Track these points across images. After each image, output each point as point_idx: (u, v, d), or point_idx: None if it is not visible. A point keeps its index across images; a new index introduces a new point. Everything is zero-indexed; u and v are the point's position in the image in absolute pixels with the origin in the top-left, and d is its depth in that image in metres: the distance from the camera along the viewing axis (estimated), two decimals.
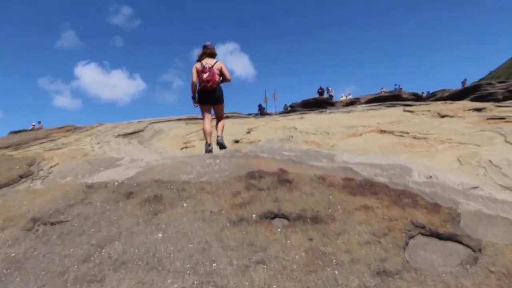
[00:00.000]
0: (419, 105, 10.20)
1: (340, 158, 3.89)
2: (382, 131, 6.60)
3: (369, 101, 21.18)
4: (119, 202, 2.67)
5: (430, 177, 3.17)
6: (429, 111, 8.24)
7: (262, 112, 26.01)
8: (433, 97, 25.71)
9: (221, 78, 4.93)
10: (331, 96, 27.65)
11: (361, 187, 2.56)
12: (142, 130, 7.87)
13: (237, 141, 6.63)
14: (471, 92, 21.61)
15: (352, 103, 22.16)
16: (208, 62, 4.86)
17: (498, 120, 6.98)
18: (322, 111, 14.00)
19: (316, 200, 2.42)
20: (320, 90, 27.79)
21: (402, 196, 2.35)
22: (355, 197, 2.40)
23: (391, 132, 6.44)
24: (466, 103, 9.16)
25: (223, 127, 5.25)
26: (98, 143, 5.89)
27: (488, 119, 7.18)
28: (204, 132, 4.96)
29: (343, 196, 2.43)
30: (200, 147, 6.20)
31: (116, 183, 3.08)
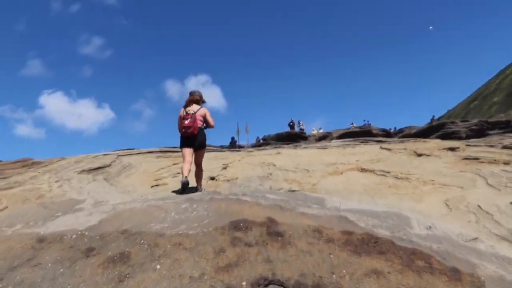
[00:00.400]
0: (395, 142, 10.26)
1: (331, 203, 3.59)
2: (363, 170, 6.43)
3: (341, 136, 21.46)
4: (76, 262, 2.19)
5: (430, 227, 2.92)
6: (405, 149, 8.24)
7: (234, 144, 25.70)
8: (400, 133, 26.53)
9: (204, 125, 5.07)
10: (302, 130, 27.93)
11: (364, 244, 2.24)
12: (109, 165, 7.29)
13: (213, 178, 6.22)
14: (436, 130, 22.43)
15: (324, 137, 22.37)
16: (192, 108, 5.00)
17: (473, 160, 7.01)
18: (297, 146, 13.89)
19: (316, 261, 2.07)
20: (291, 123, 28.03)
21: (414, 257, 2.05)
22: (360, 258, 2.07)
23: (372, 171, 6.27)
24: (439, 142, 9.28)
25: (202, 176, 5.20)
26: (58, 181, 5.28)
27: (463, 159, 7.22)
28: (182, 170, 4.89)
29: (347, 256, 2.10)
30: (173, 184, 5.74)
31: (74, 235, 2.58)
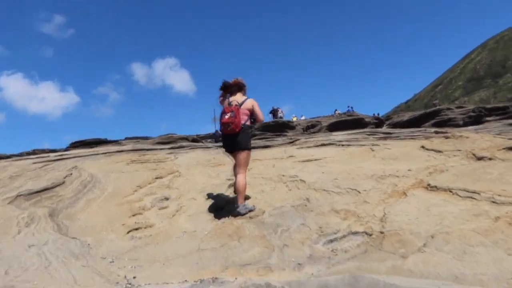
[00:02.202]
0: (432, 138, 8.44)
1: None
2: (433, 188, 4.51)
3: (332, 125, 19.70)
4: None
5: None
6: (459, 150, 6.41)
7: (215, 136, 23.48)
8: (389, 120, 25.17)
9: (249, 120, 4.27)
10: (280, 118, 26.20)
11: None
12: (62, 183, 5.00)
13: (220, 208, 4.12)
14: (431, 117, 21.14)
15: (312, 126, 20.56)
16: (236, 99, 4.29)
17: None
18: (296, 141, 11.88)
19: None
20: (272, 111, 26.20)
21: None
22: None
23: (448, 190, 4.37)
24: (489, 138, 7.52)
25: (243, 188, 4.04)
26: None
27: None
28: (237, 190, 4.04)
29: None
30: (162, 225, 3.61)
31: None
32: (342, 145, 9.40)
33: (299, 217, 3.69)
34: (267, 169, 5.87)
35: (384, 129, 15.42)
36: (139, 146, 11.38)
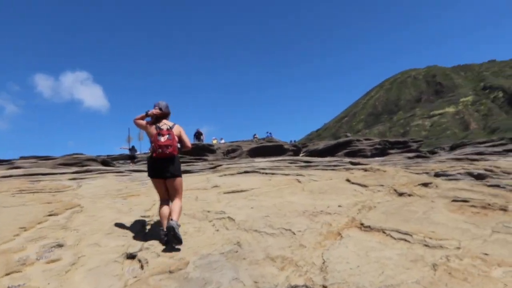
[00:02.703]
0: (354, 170, 8.55)
1: None
2: (366, 228, 4.33)
3: (253, 151, 19.60)
4: None
5: None
6: (382, 185, 6.49)
7: (134, 153, 21.93)
8: (305, 148, 26.13)
9: (178, 146, 4.03)
10: (201, 140, 25.53)
11: None
12: None
13: (132, 257, 3.31)
14: (343, 147, 22.43)
15: (233, 150, 20.22)
16: (165, 124, 4.06)
17: (466, 205, 5.66)
18: (218, 167, 11.34)
19: None
20: (197, 134, 25.41)
21: None
22: None
23: (381, 231, 4.22)
24: (403, 174, 7.86)
25: (180, 209, 3.89)
26: None
27: (453, 201, 5.80)
28: (160, 216, 3.87)
29: None
30: None
31: None
32: (266, 173, 9.12)
33: (230, 269, 3.08)
34: (190, 202, 5.16)
35: (304, 157, 15.75)
36: (33, 170, 9.68)
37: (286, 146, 21.01)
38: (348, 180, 6.77)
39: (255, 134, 31.90)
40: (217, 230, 3.99)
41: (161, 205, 3.97)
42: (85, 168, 10.40)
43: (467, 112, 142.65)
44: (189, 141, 4.33)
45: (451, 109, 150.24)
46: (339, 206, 5.23)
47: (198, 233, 3.85)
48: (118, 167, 21.23)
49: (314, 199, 5.48)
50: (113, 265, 3.14)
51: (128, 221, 4.25)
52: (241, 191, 6.23)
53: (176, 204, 3.86)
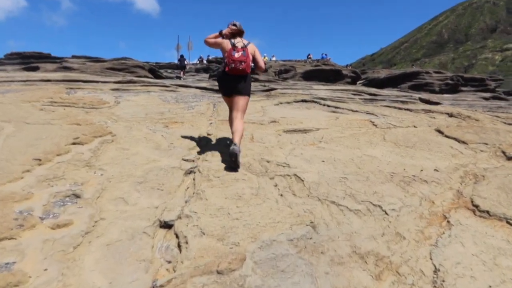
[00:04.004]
0: (440, 113, 6.98)
1: None
2: (482, 213, 3.09)
3: (307, 74, 17.85)
4: None
5: None
6: (486, 144, 5.01)
7: (183, 64, 21.08)
8: (364, 75, 23.76)
9: (252, 65, 3.90)
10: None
11: None
12: None
13: (168, 226, 2.40)
14: (408, 78, 19.98)
15: (286, 71, 18.56)
16: (239, 41, 3.90)
17: None
18: (284, 92, 10.09)
19: None
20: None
21: None
22: None
23: (506, 221, 2.98)
24: (502, 127, 6.21)
25: (242, 131, 3.71)
26: None
27: None
28: (230, 124, 3.90)
29: None
30: (47, 282, 1.83)
31: None
32: (328, 106, 7.81)
33: (305, 274, 2.08)
34: (244, 143, 4.11)
35: (369, 88, 13.98)
36: (75, 76, 8.96)
37: (344, 72, 18.95)
38: (439, 131, 5.33)
39: (309, 54, 29.51)
40: (282, 196, 2.94)
41: (229, 116, 3.99)
42: (128, 78, 9.57)
43: None
44: (262, 61, 4.12)
45: None
46: (435, 170, 3.94)
47: (256, 199, 2.83)
48: (166, 76, 20.55)
49: (401, 156, 4.21)
50: (140, 240, 2.24)
51: (165, 166, 3.30)
52: (305, 130, 5.07)
53: (239, 124, 3.74)
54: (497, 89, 21.30)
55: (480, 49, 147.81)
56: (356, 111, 7.25)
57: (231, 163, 3.39)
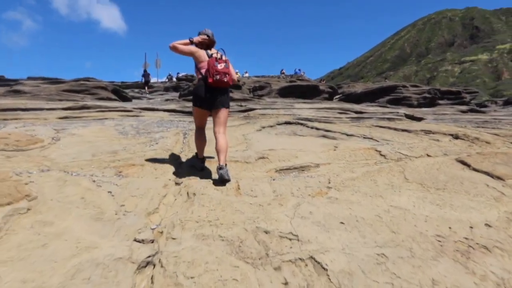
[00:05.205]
0: (443, 135, 6.05)
1: None
2: None
3: (283, 90, 16.91)
4: None
5: None
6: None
7: (148, 79, 19.99)
8: (340, 89, 23.22)
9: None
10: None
11: None
12: None
13: None
14: (385, 93, 19.54)
15: (261, 87, 17.54)
16: (215, 52, 3.81)
17: None
18: (264, 113, 9.00)
19: None
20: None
21: None
22: None
23: None
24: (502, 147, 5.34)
25: (227, 147, 3.57)
26: None
27: None
28: (197, 146, 3.87)
29: None
30: None
31: None
32: (317, 129, 6.79)
33: None
34: (228, 200, 2.91)
35: (352, 105, 13.21)
36: (11, 103, 7.46)
37: (321, 87, 18.20)
38: (464, 163, 4.33)
39: (282, 70, 28.86)
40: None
41: (198, 133, 3.87)
42: (81, 104, 8.15)
43: (502, 60, 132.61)
44: (235, 74, 3.90)
45: (484, 56, 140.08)
46: (487, 225, 2.90)
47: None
48: (132, 97, 19.10)
49: (438, 206, 3.14)
50: None
51: (108, 254, 2.05)
52: (303, 168, 3.96)
53: (223, 140, 3.57)
54: (471, 102, 21.32)
55: (440, 62, 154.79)
56: (352, 135, 6.25)
57: (218, 183, 3.26)
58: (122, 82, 28.47)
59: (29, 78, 21.84)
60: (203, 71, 3.65)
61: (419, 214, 2.95)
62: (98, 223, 2.43)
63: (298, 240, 2.34)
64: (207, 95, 3.59)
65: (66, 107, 7.41)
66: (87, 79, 19.47)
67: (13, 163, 3.39)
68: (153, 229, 2.42)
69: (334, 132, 6.47)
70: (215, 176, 3.56)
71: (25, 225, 2.31)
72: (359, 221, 2.73)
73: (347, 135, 6.24)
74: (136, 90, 24.35)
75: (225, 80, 3.51)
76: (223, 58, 3.68)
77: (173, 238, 2.26)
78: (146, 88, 21.17)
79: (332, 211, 2.83)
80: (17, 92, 14.27)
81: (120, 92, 17.75)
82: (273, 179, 3.43)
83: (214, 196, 2.87)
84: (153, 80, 27.09)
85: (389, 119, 10.16)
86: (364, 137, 6.10)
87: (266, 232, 2.40)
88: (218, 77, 3.48)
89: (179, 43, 3.74)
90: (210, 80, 3.49)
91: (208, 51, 3.77)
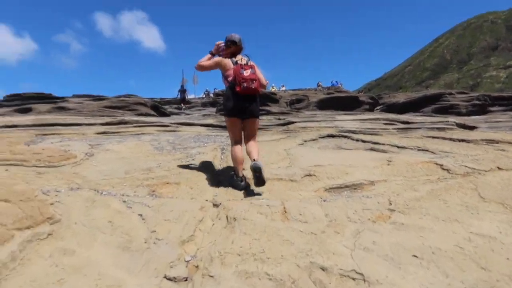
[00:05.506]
0: (508, 144, 5.33)
1: None
2: None
3: (322, 102, 16.39)
4: None
5: None
6: None
7: (184, 96, 20.32)
8: (381, 100, 22.29)
9: None
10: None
11: None
12: None
13: None
14: (430, 101, 18.44)
15: (298, 100, 17.11)
16: (241, 58, 3.68)
17: None
18: (305, 126, 8.60)
19: None
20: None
21: None
22: None
23: None
24: None
25: (258, 150, 3.56)
26: None
27: None
28: (235, 160, 3.59)
29: None
30: None
31: None
32: (363, 141, 6.26)
33: None
34: (273, 227, 2.49)
35: (396, 116, 12.45)
36: (51, 119, 7.54)
37: (361, 98, 17.47)
38: None
39: (319, 82, 28.28)
40: None
41: (235, 147, 3.64)
42: (119, 118, 8.12)
43: None
44: (264, 78, 3.76)
45: None
46: None
47: None
48: (170, 112, 19.33)
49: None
50: None
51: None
52: (356, 186, 3.47)
53: (254, 145, 3.56)
54: None
55: (484, 67, 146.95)
56: (404, 147, 5.66)
57: (255, 180, 3.21)
58: (161, 98, 29.14)
59: (74, 96, 22.75)
60: (230, 79, 3.58)
61: (509, 244, 2.37)
62: (125, 253, 2.09)
63: (364, 280, 1.88)
64: (237, 103, 3.51)
65: (105, 122, 7.40)
66: (127, 96, 20.04)
67: (43, 180, 3.19)
68: (187, 261, 2.06)
69: (383, 144, 5.91)
70: (256, 190, 3.39)
71: (43, 254, 2.01)
72: (435, 253, 2.21)
73: (398, 147, 5.66)
74: (175, 105, 24.79)
75: (253, 87, 3.42)
76: (249, 63, 3.59)
77: (211, 276, 1.87)
78: (182, 104, 21.52)
79: (400, 240, 2.33)
80: (62, 109, 14.80)
81: (159, 108, 18.01)
82: (324, 200, 2.98)
83: (257, 221, 2.46)
84: (190, 96, 27.48)
85: (439, 128, 9.43)
86: (418, 149, 5.50)
87: (323, 269, 1.95)
88: (245, 84, 3.39)
89: (202, 61, 3.74)
90: (237, 88, 3.41)
91: (233, 58, 3.69)
